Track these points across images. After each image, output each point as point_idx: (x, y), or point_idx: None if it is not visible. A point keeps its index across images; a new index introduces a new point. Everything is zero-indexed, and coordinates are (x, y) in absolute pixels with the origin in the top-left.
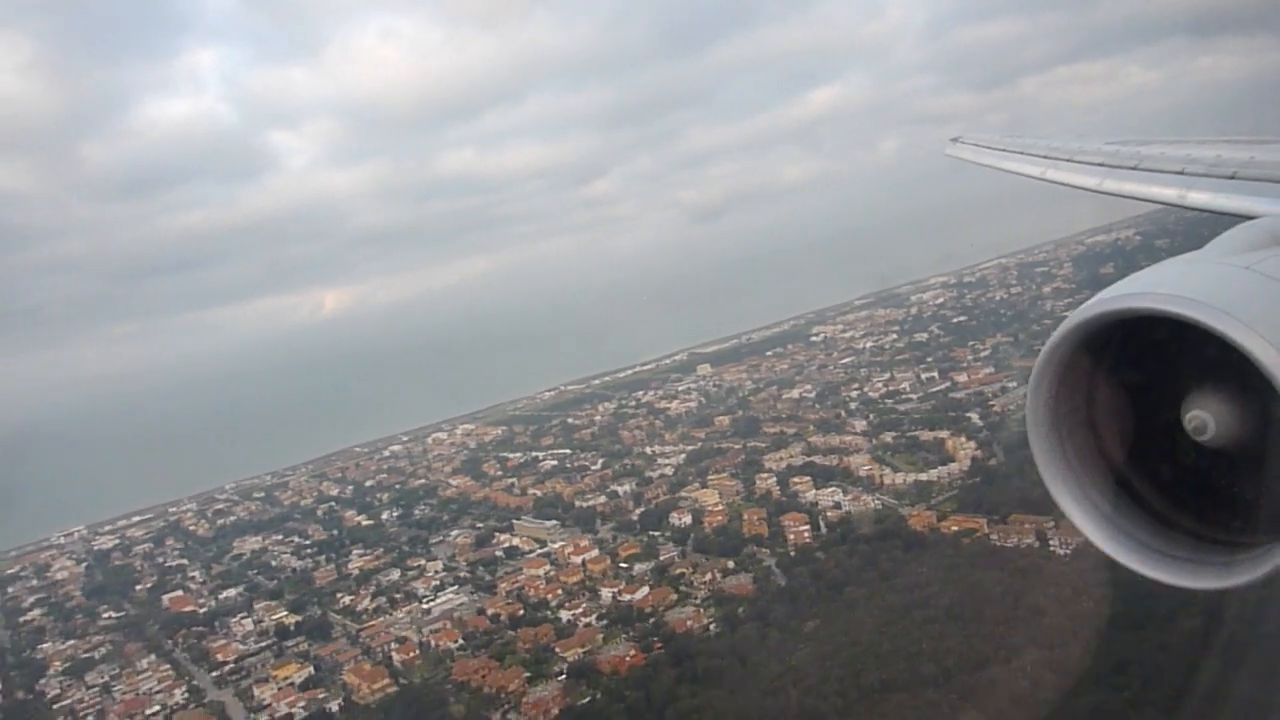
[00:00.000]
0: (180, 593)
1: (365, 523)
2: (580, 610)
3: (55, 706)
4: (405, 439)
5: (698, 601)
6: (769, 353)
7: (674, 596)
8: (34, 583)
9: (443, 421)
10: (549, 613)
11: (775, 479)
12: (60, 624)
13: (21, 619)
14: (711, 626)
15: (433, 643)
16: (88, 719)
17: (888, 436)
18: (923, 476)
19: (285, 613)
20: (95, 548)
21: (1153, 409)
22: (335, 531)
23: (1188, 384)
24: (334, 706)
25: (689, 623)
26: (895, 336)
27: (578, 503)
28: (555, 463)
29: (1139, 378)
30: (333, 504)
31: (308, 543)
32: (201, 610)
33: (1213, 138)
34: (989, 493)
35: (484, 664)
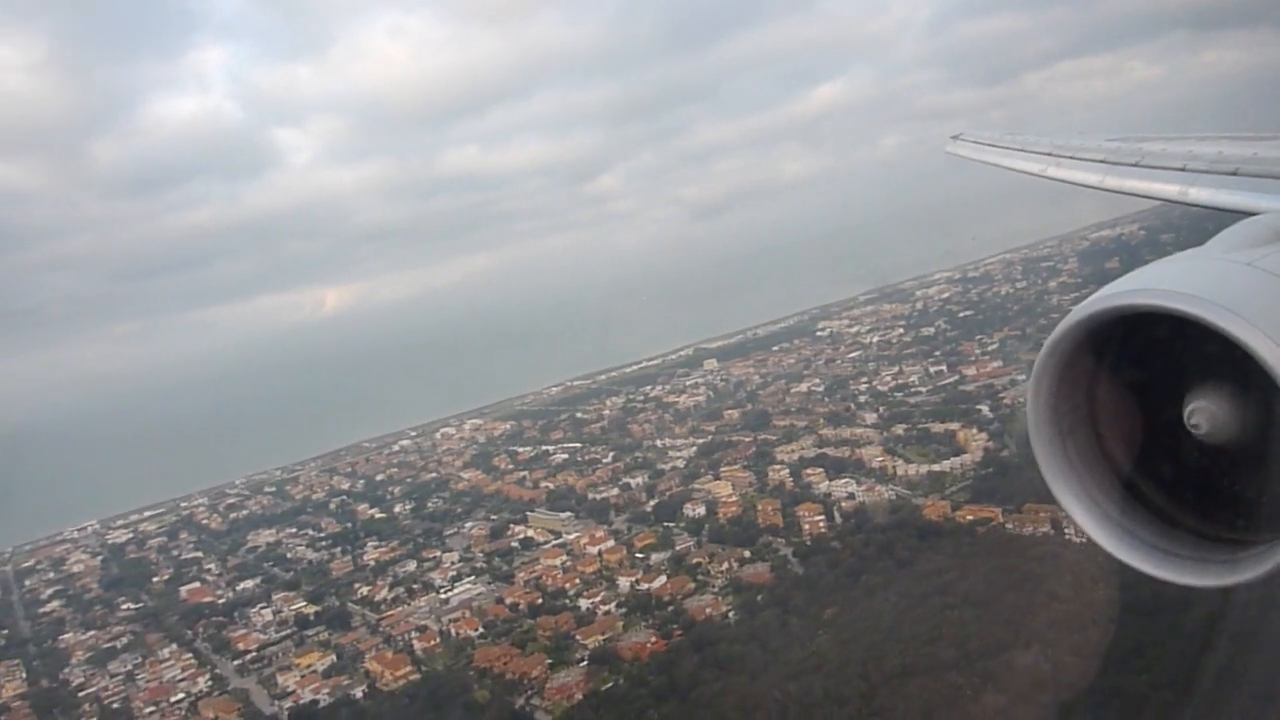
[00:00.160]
0: (197, 584)
1: (378, 516)
2: (599, 599)
3: (80, 694)
4: (413, 434)
5: (716, 590)
6: (775, 348)
7: (691, 585)
8: (50, 575)
9: (450, 417)
10: (567, 601)
11: (788, 471)
12: (80, 615)
13: (41, 610)
14: (730, 614)
15: (453, 631)
16: (113, 706)
17: (899, 429)
18: (935, 467)
19: (304, 603)
20: (109, 541)
21: (1154, 406)
22: (349, 524)
23: (1189, 381)
24: (358, 693)
25: (708, 610)
26: (902, 331)
27: (590, 495)
28: (566, 456)
29: (1140, 375)
30: (344, 498)
31: (322, 535)
32: (220, 601)
33: (1215, 134)
34: (1002, 483)
35: (505, 651)
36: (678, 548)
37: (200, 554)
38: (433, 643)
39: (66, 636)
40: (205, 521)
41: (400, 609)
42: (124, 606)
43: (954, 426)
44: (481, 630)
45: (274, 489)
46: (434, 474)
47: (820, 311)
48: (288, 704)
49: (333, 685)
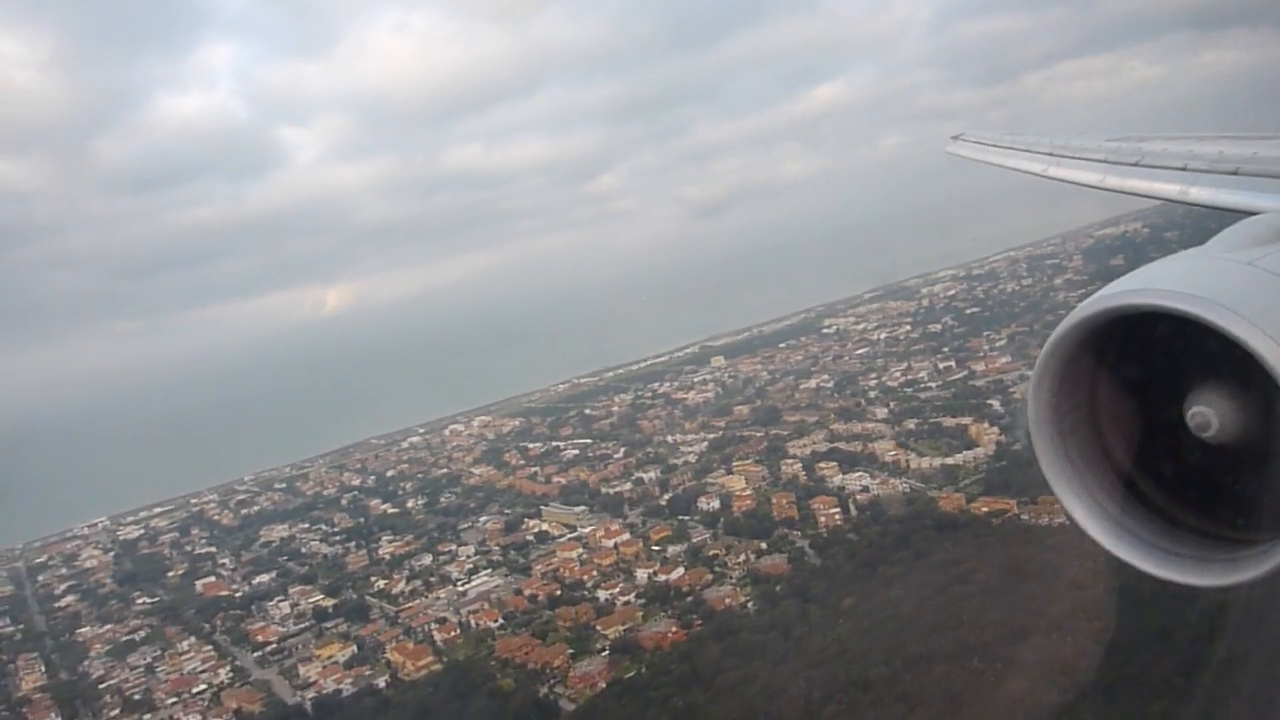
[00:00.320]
0: (212, 579)
1: (391, 511)
2: (617, 590)
3: (101, 686)
4: (422, 431)
5: (734, 581)
6: (781, 345)
7: (709, 576)
8: (63, 571)
9: (458, 414)
10: (586, 593)
11: (800, 465)
12: (95, 609)
13: (56, 605)
14: (749, 604)
15: (472, 622)
16: (134, 698)
17: (910, 423)
18: (948, 461)
19: (321, 596)
20: (120, 537)
21: (1155, 406)
22: (362, 519)
23: (1190, 380)
24: (380, 683)
25: (727, 600)
26: (909, 328)
27: (604, 490)
28: (577, 452)
29: (1141, 375)
30: (356, 493)
31: (335, 530)
32: (237, 595)
33: (1215, 133)
34: (1017, 475)
35: (526, 641)
36: (694, 540)
37: (213, 549)
38: (453, 634)
39: (84, 630)
40: (216, 517)
41: (418, 601)
42: (140, 601)
43: (965, 421)
44: (501, 621)
45: (284, 485)
46: (445, 470)
47: (826, 309)
48: (310, 694)
49: (355, 675)
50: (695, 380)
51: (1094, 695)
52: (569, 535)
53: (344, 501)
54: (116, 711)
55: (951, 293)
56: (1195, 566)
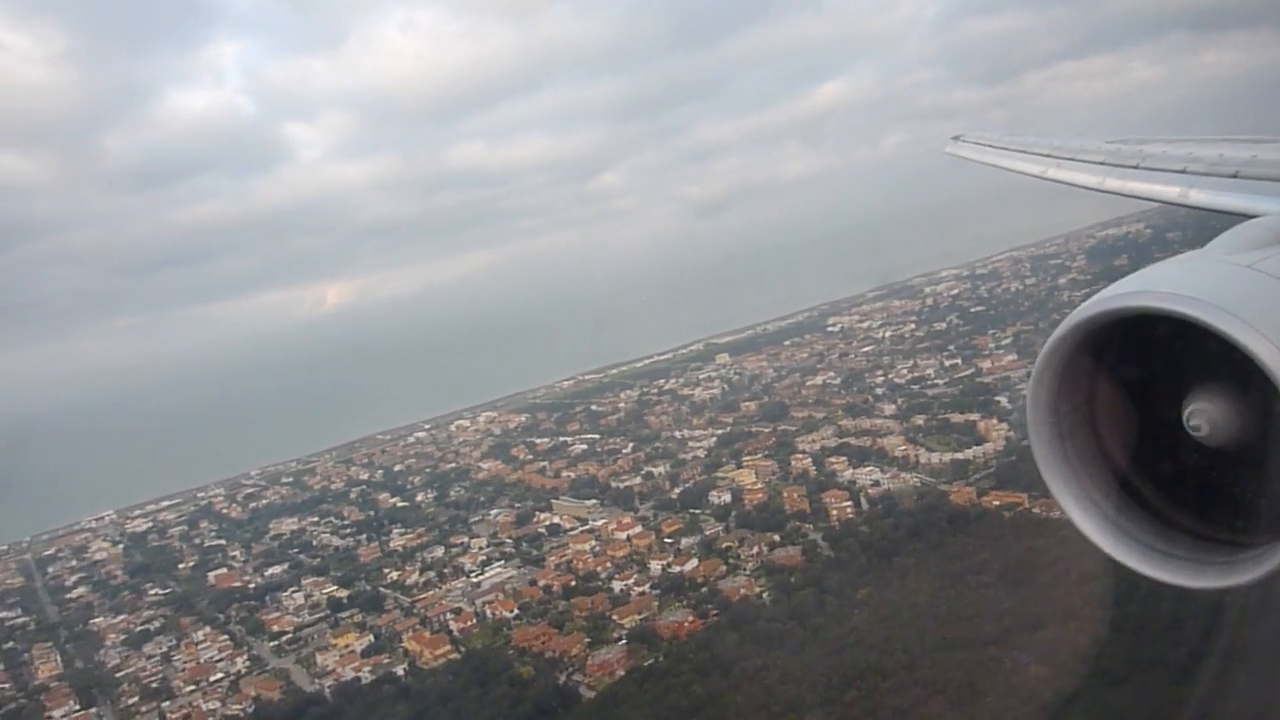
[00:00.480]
0: (224, 570)
1: (400, 504)
2: (631, 581)
3: (118, 675)
4: (428, 426)
5: (748, 572)
6: (786, 342)
7: (723, 568)
8: (73, 563)
9: (464, 410)
10: (600, 584)
11: (810, 460)
12: (108, 600)
13: (67, 596)
14: (765, 595)
15: (488, 612)
16: (152, 686)
17: (919, 419)
18: (958, 455)
19: (334, 587)
20: (129, 530)
21: (1154, 408)
22: (372, 512)
23: (1189, 383)
24: (399, 670)
25: (742, 591)
26: (914, 326)
27: (613, 484)
28: (585, 447)
29: (1140, 377)
30: (364, 487)
31: (345, 523)
32: (250, 586)
33: (1215, 136)
34: (1026, 470)
35: (543, 630)
36: (706, 533)
37: (223, 541)
38: (469, 623)
39: (97, 620)
40: (225, 511)
41: (432, 592)
42: (152, 592)
43: (974, 417)
44: (517, 611)
45: (291, 479)
46: (453, 464)
47: (830, 307)
48: (329, 682)
49: (373, 664)
50: (701, 377)
51: (1113, 681)
52: (581, 528)
53: (352, 495)
54: (135, 699)
55: (955, 292)
56: (1192, 569)
